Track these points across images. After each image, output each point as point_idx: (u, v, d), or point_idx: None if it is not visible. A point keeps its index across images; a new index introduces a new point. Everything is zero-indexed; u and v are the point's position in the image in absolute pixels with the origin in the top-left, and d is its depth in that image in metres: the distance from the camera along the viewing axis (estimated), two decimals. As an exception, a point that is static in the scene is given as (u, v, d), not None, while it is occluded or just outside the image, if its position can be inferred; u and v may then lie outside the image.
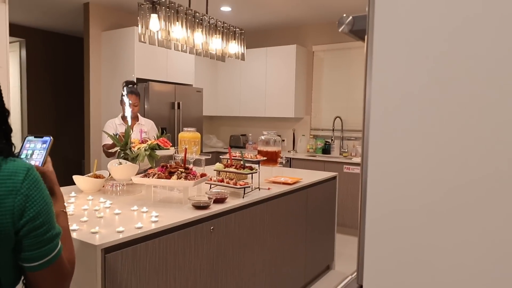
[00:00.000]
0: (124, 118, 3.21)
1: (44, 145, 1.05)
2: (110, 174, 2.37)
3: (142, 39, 2.32)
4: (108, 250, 1.42)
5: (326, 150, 5.09)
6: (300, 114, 5.29)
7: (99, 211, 1.84)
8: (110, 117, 4.51)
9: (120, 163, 2.33)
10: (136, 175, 2.28)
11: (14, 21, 5.09)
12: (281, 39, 5.46)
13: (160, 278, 1.66)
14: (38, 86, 5.65)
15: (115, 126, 3.23)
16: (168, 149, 2.70)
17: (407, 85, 0.65)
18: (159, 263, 1.65)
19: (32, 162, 1.00)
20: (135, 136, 2.95)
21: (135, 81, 4.22)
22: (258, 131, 5.78)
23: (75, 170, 5.78)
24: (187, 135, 2.81)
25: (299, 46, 5.14)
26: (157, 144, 2.61)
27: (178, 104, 4.54)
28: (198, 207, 1.95)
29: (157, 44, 2.42)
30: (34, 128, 5.45)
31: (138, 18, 2.29)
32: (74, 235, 1.48)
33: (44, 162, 1.02)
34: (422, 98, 0.64)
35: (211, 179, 2.34)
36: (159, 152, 2.59)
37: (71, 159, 5.92)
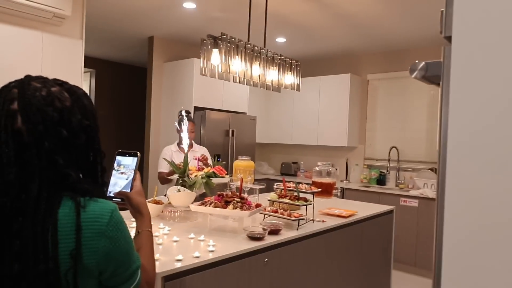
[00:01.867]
0: (180, 145, 3.35)
1: (133, 163, 1.11)
2: (168, 200, 2.46)
3: (203, 72, 2.44)
4: (168, 278, 1.46)
5: (381, 181, 4.93)
6: (354, 143, 5.19)
7: (158, 237, 1.90)
8: (168, 144, 4.73)
9: (179, 190, 2.42)
10: (192, 202, 2.35)
11: (86, 53, 5.57)
12: (335, 68, 5.47)
13: (215, 309, 1.67)
14: (104, 113, 6.08)
15: (171, 153, 3.42)
16: (224, 177, 2.76)
17: (482, 135, 0.63)
18: (214, 293, 1.66)
19: (121, 184, 1.07)
20: (190, 163, 3.06)
21: (191, 110, 4.42)
22: (309, 159, 5.75)
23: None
24: (242, 163, 2.86)
25: (353, 74, 5.11)
26: (213, 172, 2.68)
27: (233, 131, 4.66)
28: (252, 238, 1.95)
29: (217, 77, 2.53)
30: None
31: (200, 52, 2.42)
32: (136, 261, 1.55)
33: (131, 185, 1.08)
34: (497, 145, 0.61)
35: (265, 209, 2.34)
36: (214, 180, 2.65)
37: (129, 181, 6.24)
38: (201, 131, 4.40)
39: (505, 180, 0.61)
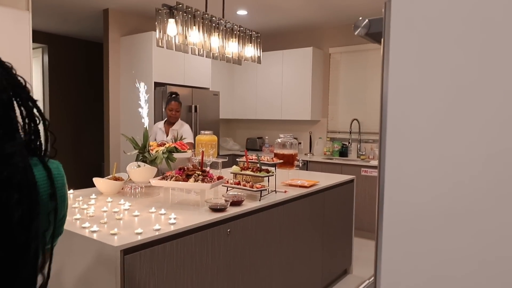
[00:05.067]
0: (165, 123, 3.68)
1: None
2: (129, 177, 2.42)
3: (160, 44, 2.36)
4: (127, 251, 1.45)
5: (343, 153, 5.06)
6: (317, 116, 5.27)
7: (118, 213, 1.87)
8: (129, 120, 4.60)
9: (139, 166, 2.37)
10: (155, 177, 2.32)
11: (36, 27, 5.24)
12: (297, 42, 5.46)
13: (177, 280, 1.68)
14: (60, 90, 5.80)
15: (156, 129, 3.69)
16: (186, 152, 2.73)
17: (422, 87, 0.65)
18: (176, 264, 1.67)
19: None
20: (170, 140, 3.08)
21: (151, 86, 4.30)
22: (274, 134, 5.79)
23: (95, 173, 5.90)
24: (204, 138, 2.84)
25: (316, 48, 5.13)
26: (174, 147, 2.64)
27: (195, 107, 4.59)
28: (215, 209, 1.96)
29: (175, 49, 2.46)
30: (55, 132, 5.58)
31: (156, 23, 2.33)
32: (94, 236, 1.52)
33: None
34: (438, 100, 0.63)
35: (227, 181, 2.35)
36: (176, 155, 2.62)
37: (91, 162, 6.06)
38: (163, 108, 4.31)
39: (444, 143, 0.63)
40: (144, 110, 2.85)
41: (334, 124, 5.30)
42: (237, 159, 2.64)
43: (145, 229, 1.60)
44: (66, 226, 1.61)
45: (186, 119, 4.53)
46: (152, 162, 2.55)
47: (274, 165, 2.46)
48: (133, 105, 4.50)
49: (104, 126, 4.74)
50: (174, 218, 1.76)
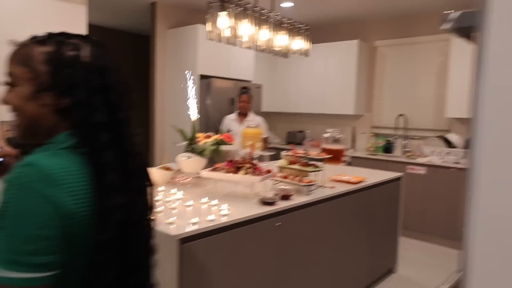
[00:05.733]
0: (239, 115, 3.87)
1: None
2: (178, 167, 2.47)
3: (211, 37, 2.38)
4: (184, 240, 1.48)
5: (388, 149, 4.91)
6: (361, 111, 5.15)
7: (170, 203, 1.92)
8: (174, 112, 4.70)
9: (189, 157, 2.42)
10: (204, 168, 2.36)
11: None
12: (342, 34, 5.33)
13: (229, 270, 1.70)
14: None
15: (229, 122, 3.85)
16: (232, 144, 2.76)
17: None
18: (229, 255, 1.69)
19: None
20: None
21: (197, 78, 4.36)
22: (315, 128, 5.72)
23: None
24: (251, 131, 2.85)
25: (361, 41, 4.99)
26: (221, 139, 2.67)
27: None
28: (264, 202, 1.96)
29: (225, 42, 2.47)
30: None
31: (207, 16, 2.35)
32: (152, 224, 1.56)
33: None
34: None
35: (275, 175, 2.35)
36: (223, 148, 2.65)
37: (136, 151, 6.26)
38: (207, 100, 4.36)
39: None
40: (192, 103, 2.89)
41: (379, 119, 5.16)
42: (284, 153, 2.63)
43: (200, 219, 1.63)
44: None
45: (229, 111, 4.57)
46: (200, 153, 2.59)
47: (322, 160, 2.43)
48: (178, 97, 4.59)
49: (150, 117, 4.88)
50: (227, 210, 1.78)
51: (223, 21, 2.35)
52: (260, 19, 2.54)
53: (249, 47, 2.69)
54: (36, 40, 0.80)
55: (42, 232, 0.67)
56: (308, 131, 5.68)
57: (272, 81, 5.72)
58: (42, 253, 0.66)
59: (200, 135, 2.75)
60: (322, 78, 5.27)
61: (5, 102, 0.80)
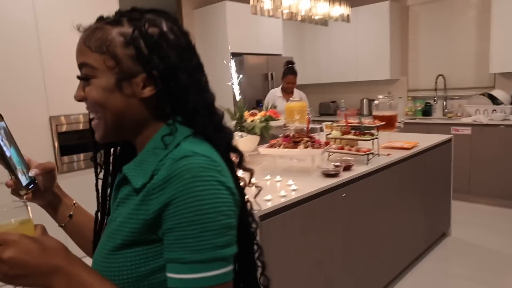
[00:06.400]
0: (283, 91, 3.81)
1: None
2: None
3: (255, 11, 2.33)
4: (262, 218, 1.49)
5: (427, 111, 4.78)
6: (396, 75, 4.99)
7: (235, 182, 1.92)
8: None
9: (242, 136, 2.41)
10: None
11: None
12: (372, -3, 5.12)
13: (302, 245, 1.72)
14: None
15: (274, 97, 3.76)
16: (279, 119, 2.73)
17: None
18: (302, 229, 1.70)
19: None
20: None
21: (228, 57, 4.30)
22: (349, 97, 5.61)
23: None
24: (296, 105, 2.81)
25: (393, 1, 4.78)
26: (269, 115, 2.65)
27: (272, 75, 4.55)
28: (328, 175, 1.95)
29: (267, 15, 2.41)
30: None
31: (250, -11, 2.29)
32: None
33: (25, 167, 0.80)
34: None
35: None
36: (272, 123, 2.63)
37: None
38: (241, 78, 4.32)
39: None
40: (235, 84, 2.87)
41: (415, 82, 5.00)
42: (334, 124, 2.59)
43: (273, 196, 1.63)
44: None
45: (263, 87, 4.52)
46: (250, 131, 2.58)
47: (377, 128, 2.38)
48: (210, 78, 4.56)
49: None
50: (294, 185, 1.77)
51: (266, -7, 2.28)
52: (302, -13, 2.46)
53: (290, 19, 2.62)
54: (108, 21, 0.68)
55: (230, 221, 0.60)
56: (342, 100, 5.58)
57: (301, 53, 5.60)
58: (232, 244, 0.61)
59: (245, 113, 2.74)
60: (354, 44, 5.12)
61: (82, 97, 0.68)
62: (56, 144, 2.95)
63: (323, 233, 1.83)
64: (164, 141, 0.66)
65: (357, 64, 5.13)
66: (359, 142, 2.37)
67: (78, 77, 0.68)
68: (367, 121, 2.43)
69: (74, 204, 0.88)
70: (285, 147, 2.06)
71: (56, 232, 0.81)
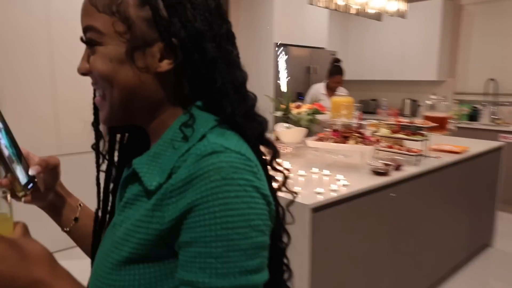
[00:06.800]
0: (327, 88, 3.71)
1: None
2: (275, 137, 2.46)
3: (311, 1, 2.29)
4: (315, 209, 1.48)
5: (473, 116, 4.59)
6: (443, 76, 4.81)
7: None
8: (247, 83, 4.67)
9: (288, 127, 2.40)
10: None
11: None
12: (424, -7, 4.94)
13: (350, 238, 1.70)
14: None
15: (317, 94, 3.65)
16: (325, 113, 2.70)
17: None
18: (351, 224, 1.68)
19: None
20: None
21: (272, 47, 4.26)
22: (389, 96, 5.47)
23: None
24: (343, 99, 2.76)
25: (446, 0, 4.60)
26: (316, 108, 2.61)
27: (315, 68, 4.49)
28: (377, 173, 1.91)
29: (322, 6, 2.36)
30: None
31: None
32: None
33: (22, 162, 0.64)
34: None
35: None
36: (318, 117, 2.59)
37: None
38: (285, 69, 4.29)
39: None
40: (283, 76, 2.85)
41: (463, 85, 4.80)
42: (382, 121, 2.52)
43: (324, 190, 1.62)
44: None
45: (304, 80, 4.47)
46: (296, 123, 2.56)
47: (428, 128, 2.30)
48: (251, 67, 4.56)
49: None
50: (344, 180, 1.75)
51: (325, -17, 2.24)
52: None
53: (343, 11, 2.56)
54: None
55: (264, 239, 0.48)
56: (384, 99, 5.44)
57: (345, 48, 5.50)
58: (263, 269, 0.49)
59: (291, 105, 2.72)
60: (401, 41, 4.97)
61: (87, 70, 0.55)
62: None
63: (370, 231, 1.80)
64: (185, 132, 0.52)
65: (402, 62, 4.98)
66: (407, 142, 2.31)
67: (82, 40, 0.55)
68: (418, 121, 2.36)
69: (79, 205, 0.74)
70: (334, 141, 2.03)
71: (42, 235, 0.73)
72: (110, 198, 0.66)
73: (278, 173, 0.60)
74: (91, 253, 0.66)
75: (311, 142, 2.09)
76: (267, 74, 4.35)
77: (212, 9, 0.54)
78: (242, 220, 0.46)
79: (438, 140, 2.76)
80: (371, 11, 2.64)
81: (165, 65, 0.53)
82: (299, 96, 4.40)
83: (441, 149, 2.55)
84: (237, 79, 0.56)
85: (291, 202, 0.64)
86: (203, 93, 0.54)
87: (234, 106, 0.54)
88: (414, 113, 5.06)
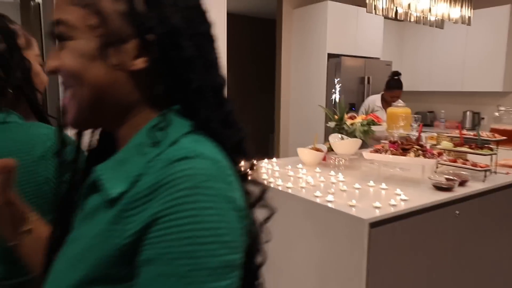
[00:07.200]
0: (383, 101, 3.60)
1: None
2: (328, 148, 2.41)
3: (370, 10, 2.23)
4: (373, 224, 1.41)
5: (545, 131, 4.21)
6: (509, 87, 4.48)
7: (337, 184, 1.86)
8: (298, 93, 4.66)
9: (342, 138, 2.34)
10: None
11: (214, 7, 5.66)
12: (489, 0, 4.66)
13: (410, 257, 1.60)
14: (232, 64, 6.23)
15: (373, 106, 3.49)
16: (381, 125, 2.60)
17: None
18: (411, 242, 1.58)
19: None
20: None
21: (325, 58, 4.22)
22: (448, 107, 5.19)
23: (262, 144, 6.26)
24: (401, 110, 2.65)
25: (515, 6, 4.30)
26: (372, 119, 2.53)
27: (368, 78, 4.38)
28: (440, 188, 1.79)
29: (382, 14, 2.30)
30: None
31: (367, -13, 2.20)
32: (333, 206, 1.52)
33: None
34: None
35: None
36: (374, 128, 2.51)
37: (257, 133, 6.43)
38: (336, 80, 4.22)
39: None
40: (337, 88, 2.79)
41: (533, 97, 4.44)
42: (445, 134, 2.38)
43: (382, 204, 1.54)
44: (297, 193, 1.66)
45: (357, 91, 4.37)
46: (350, 134, 2.49)
47: (497, 142, 2.14)
48: (304, 78, 4.53)
49: (275, 103, 4.91)
50: (403, 194, 1.66)
51: (384, -10, 2.18)
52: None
53: (404, 19, 2.47)
54: None
55: (235, 257, 0.44)
56: (442, 111, 5.18)
57: (400, 58, 5.32)
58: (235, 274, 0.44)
59: (345, 116, 2.65)
60: (462, 50, 4.71)
61: (55, 67, 0.50)
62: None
63: (431, 250, 1.69)
64: (156, 136, 0.48)
65: (463, 72, 4.71)
66: (472, 156, 2.15)
67: (52, 35, 0.50)
68: (484, 134, 2.20)
69: (33, 216, 0.67)
70: (393, 154, 1.94)
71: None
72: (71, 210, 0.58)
73: (256, 186, 0.55)
74: (43, 272, 0.56)
75: (367, 154, 2.01)
76: (319, 84, 4.31)
77: (192, 7, 0.52)
78: (212, 235, 0.41)
79: (506, 155, 2.55)
80: (432, 18, 2.51)
81: (140, 63, 0.49)
82: (352, 107, 4.30)
83: (510, 164, 2.35)
84: (215, 82, 0.52)
85: (268, 218, 0.57)
86: (180, 96, 0.50)
87: (211, 110, 0.50)
88: (475, 126, 4.75)
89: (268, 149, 5.97)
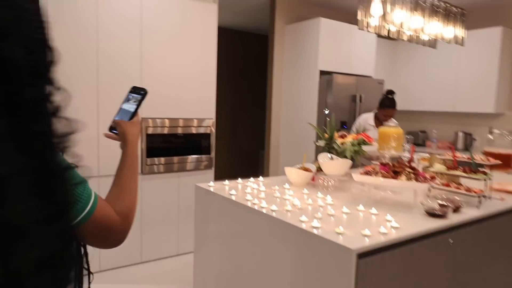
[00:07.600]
0: (376, 119, 3.53)
1: (139, 96, 1.07)
2: (317, 168, 2.31)
3: (362, 26, 2.17)
4: (360, 255, 1.30)
5: (537, 153, 4.17)
6: (501, 109, 4.46)
7: (323, 207, 1.76)
8: (289, 109, 4.59)
9: (332, 158, 2.24)
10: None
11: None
12: (481, 21, 4.68)
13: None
14: (220, 78, 6.16)
15: (365, 125, 3.43)
16: (372, 144, 2.51)
17: None
18: (403, 273, 1.47)
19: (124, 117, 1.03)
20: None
21: (317, 75, 4.16)
22: (439, 128, 5.15)
23: (252, 160, 6.15)
24: (392, 130, 2.57)
25: (506, 28, 4.31)
26: (363, 139, 2.44)
27: (360, 97, 4.32)
28: (432, 214, 1.69)
29: (374, 32, 2.24)
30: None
31: (360, 5, 2.14)
32: (318, 232, 1.41)
33: (131, 117, 1.03)
34: None
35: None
36: (364, 148, 2.42)
37: (247, 149, 6.33)
38: (327, 97, 4.16)
39: None
40: (327, 104, 2.71)
41: (525, 119, 4.42)
42: (438, 156, 2.30)
43: (371, 232, 1.43)
44: (281, 217, 1.56)
45: (349, 109, 4.31)
46: (340, 154, 2.40)
47: (490, 166, 2.06)
48: (295, 94, 4.47)
49: (266, 118, 4.84)
50: (394, 221, 1.56)
51: (377, 8, 2.12)
52: (417, 3, 2.25)
53: (396, 37, 2.41)
54: None
55: None
56: (434, 131, 5.14)
57: (392, 76, 5.29)
58: None
59: (335, 135, 2.57)
60: (454, 71, 4.70)
61: None
62: (143, 145, 3.03)
63: (424, 281, 1.58)
64: None
65: (455, 93, 4.69)
66: (466, 180, 2.07)
67: None
68: (478, 157, 2.12)
69: None
70: (383, 176, 1.85)
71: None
72: None
73: None
74: None
75: (357, 176, 1.91)
76: (311, 101, 4.24)
77: None
78: None
79: (500, 179, 2.48)
80: (425, 37, 2.46)
81: None
82: (343, 125, 4.23)
83: (505, 189, 2.27)
84: None
85: None
86: None
87: None
88: (467, 147, 4.71)
89: (258, 166, 5.86)
